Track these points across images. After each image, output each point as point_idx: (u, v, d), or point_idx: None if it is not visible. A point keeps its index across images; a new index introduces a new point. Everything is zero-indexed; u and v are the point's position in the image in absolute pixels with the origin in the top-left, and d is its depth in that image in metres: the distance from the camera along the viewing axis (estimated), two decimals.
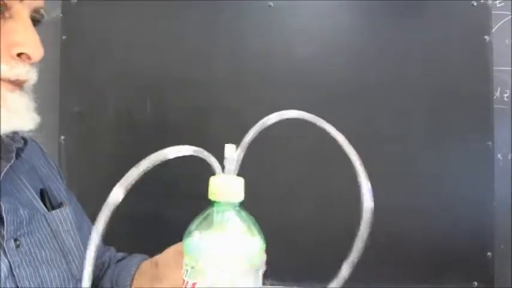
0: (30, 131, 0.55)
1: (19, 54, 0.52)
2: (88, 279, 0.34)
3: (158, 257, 0.67)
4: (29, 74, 0.54)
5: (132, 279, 0.69)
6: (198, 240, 0.39)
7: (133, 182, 0.35)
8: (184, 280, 0.38)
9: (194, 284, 0.37)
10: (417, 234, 1.24)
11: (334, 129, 0.43)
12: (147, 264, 0.70)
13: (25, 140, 0.64)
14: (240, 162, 0.42)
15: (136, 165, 0.36)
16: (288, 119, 0.45)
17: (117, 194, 0.35)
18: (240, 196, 0.40)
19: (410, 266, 1.25)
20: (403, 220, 1.24)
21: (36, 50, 0.52)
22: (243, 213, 0.40)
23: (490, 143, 1.25)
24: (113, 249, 0.81)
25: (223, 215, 0.39)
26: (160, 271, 0.65)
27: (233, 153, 0.41)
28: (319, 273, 1.23)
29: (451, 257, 1.24)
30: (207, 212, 0.40)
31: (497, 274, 1.24)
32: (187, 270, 0.38)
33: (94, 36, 1.25)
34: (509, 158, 1.30)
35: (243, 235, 0.39)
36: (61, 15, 1.24)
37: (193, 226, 0.40)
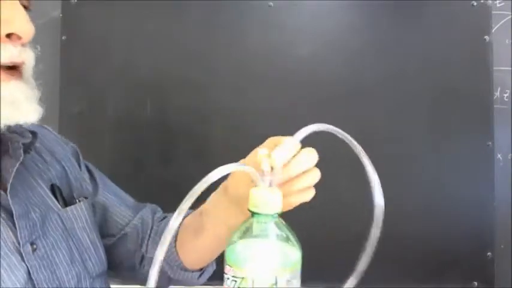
0: (33, 124, 0.51)
1: (8, 36, 0.48)
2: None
3: (202, 206, 0.65)
4: (23, 55, 0.50)
5: (176, 235, 0.67)
6: (241, 250, 0.40)
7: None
8: None
9: None
10: (417, 234, 1.24)
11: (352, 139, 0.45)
12: (190, 217, 0.67)
13: (33, 133, 0.61)
14: (280, 175, 0.44)
15: (190, 193, 0.37)
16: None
17: (177, 221, 0.36)
18: (279, 208, 0.41)
19: (411, 266, 1.25)
20: (403, 220, 1.23)
21: (26, 27, 0.48)
22: (282, 224, 0.41)
23: (490, 143, 1.25)
24: (154, 207, 0.77)
25: (263, 225, 0.41)
26: (203, 218, 0.63)
27: (269, 166, 0.43)
28: (320, 274, 1.23)
29: (451, 257, 1.24)
30: (247, 222, 0.41)
31: (497, 274, 1.24)
32: (230, 280, 0.39)
33: (94, 36, 1.25)
34: (509, 158, 1.29)
35: (283, 244, 0.41)
36: (61, 15, 1.24)
37: (235, 237, 0.41)
